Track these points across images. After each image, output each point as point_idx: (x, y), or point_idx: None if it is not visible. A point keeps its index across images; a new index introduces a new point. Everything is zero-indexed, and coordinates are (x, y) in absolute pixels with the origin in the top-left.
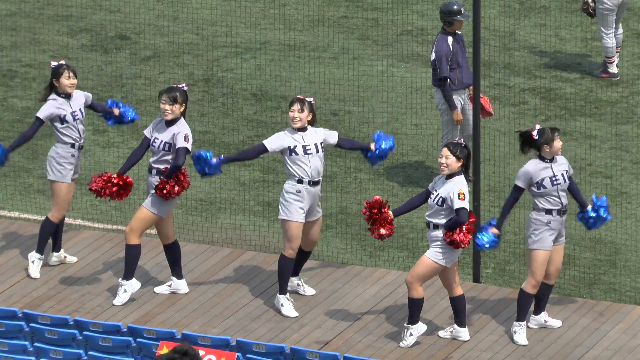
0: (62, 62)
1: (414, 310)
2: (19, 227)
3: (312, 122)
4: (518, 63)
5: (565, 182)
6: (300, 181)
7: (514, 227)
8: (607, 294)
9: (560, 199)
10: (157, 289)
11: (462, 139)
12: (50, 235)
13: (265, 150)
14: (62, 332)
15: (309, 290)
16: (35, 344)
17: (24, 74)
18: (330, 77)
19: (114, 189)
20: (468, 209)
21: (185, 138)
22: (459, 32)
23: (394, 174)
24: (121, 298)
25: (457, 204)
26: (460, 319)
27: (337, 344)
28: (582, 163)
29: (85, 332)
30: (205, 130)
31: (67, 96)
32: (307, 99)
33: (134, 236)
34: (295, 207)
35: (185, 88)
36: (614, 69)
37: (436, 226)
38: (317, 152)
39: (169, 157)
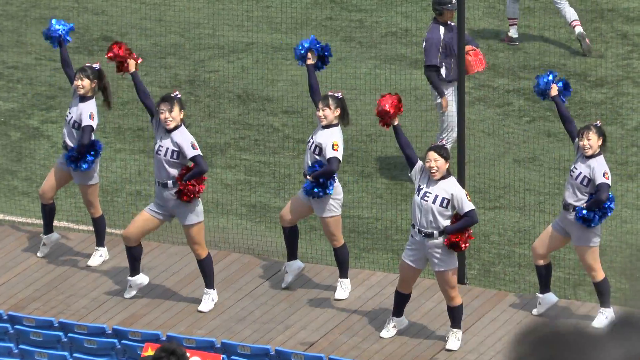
0: (88, 64)
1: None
2: (4, 230)
3: (342, 118)
4: (503, 64)
5: (578, 181)
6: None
7: (499, 228)
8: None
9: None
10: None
11: (443, 141)
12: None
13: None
14: (47, 334)
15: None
16: (20, 346)
17: (9, 76)
18: None
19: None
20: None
21: (193, 145)
22: (452, 24)
23: (379, 175)
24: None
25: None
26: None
27: (323, 345)
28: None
29: (70, 334)
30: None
31: (80, 99)
32: (335, 94)
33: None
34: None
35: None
36: (514, 34)
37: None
38: (313, 150)
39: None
